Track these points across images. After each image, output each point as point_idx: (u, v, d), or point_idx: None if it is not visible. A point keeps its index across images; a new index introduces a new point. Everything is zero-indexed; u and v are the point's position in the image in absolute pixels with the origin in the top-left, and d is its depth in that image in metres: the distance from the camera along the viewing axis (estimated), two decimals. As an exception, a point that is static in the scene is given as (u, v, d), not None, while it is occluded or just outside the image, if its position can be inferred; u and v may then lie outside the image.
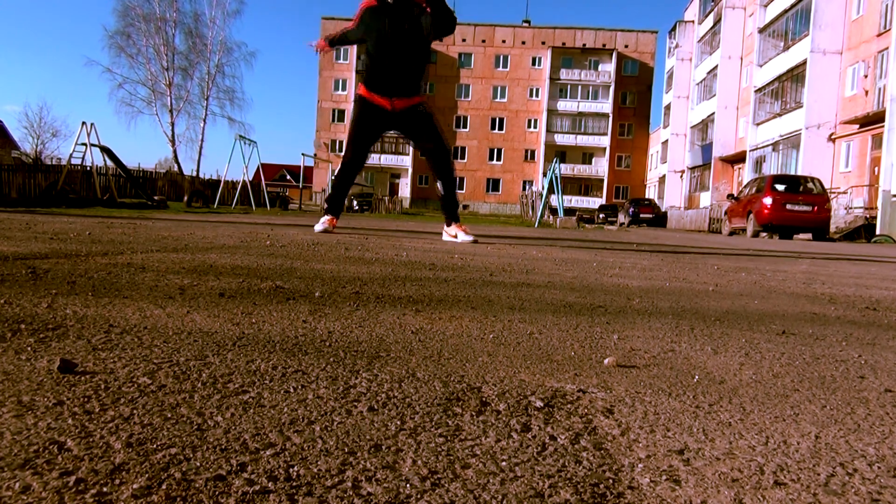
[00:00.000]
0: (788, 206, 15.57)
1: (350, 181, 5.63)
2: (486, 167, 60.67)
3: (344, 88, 61.23)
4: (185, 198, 21.04)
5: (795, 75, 28.37)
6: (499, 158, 60.78)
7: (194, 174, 34.43)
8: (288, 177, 77.43)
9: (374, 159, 59.76)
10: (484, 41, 60.70)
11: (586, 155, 60.14)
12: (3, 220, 5.11)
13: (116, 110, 54.44)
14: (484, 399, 0.91)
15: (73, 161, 16.91)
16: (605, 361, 1.17)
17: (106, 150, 16.80)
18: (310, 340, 1.22)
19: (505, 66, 60.79)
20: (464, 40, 60.66)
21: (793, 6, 28.61)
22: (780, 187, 16.35)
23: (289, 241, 3.99)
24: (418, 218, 17.66)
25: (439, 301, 1.80)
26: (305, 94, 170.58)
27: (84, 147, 15.94)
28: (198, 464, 0.63)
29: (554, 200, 20.19)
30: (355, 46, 59.27)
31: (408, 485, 0.62)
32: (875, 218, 20.20)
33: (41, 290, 1.60)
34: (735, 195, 19.14)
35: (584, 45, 59.99)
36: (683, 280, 2.85)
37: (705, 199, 38.62)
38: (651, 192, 57.93)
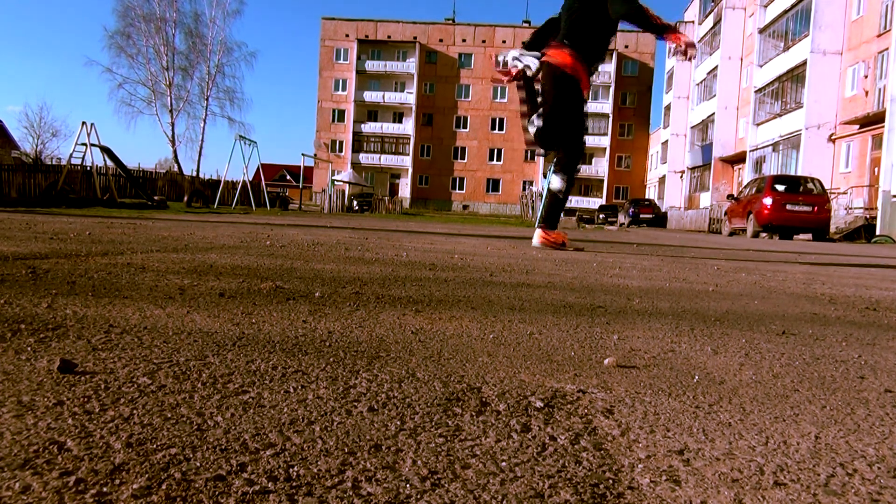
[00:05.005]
0: (788, 207, 15.57)
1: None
2: (486, 167, 60.69)
3: (344, 88, 61.24)
4: (185, 198, 21.05)
5: (795, 76, 28.37)
6: (499, 158, 60.80)
7: (194, 174, 34.45)
8: (288, 177, 77.48)
9: (374, 159, 59.86)
10: (484, 41, 60.69)
11: (586, 155, 60.13)
12: (3, 220, 5.11)
13: (116, 110, 54.62)
14: (484, 399, 0.91)
15: (73, 161, 16.94)
16: (605, 362, 1.17)
17: (106, 150, 16.81)
18: (310, 340, 1.22)
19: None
20: (464, 41, 60.66)
21: (793, 7, 28.61)
22: (781, 188, 16.35)
23: (289, 242, 3.99)
24: (418, 218, 17.65)
25: (439, 301, 1.80)
26: (305, 94, 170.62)
27: (84, 147, 15.96)
28: (198, 464, 0.63)
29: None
30: (355, 45, 59.24)
31: (408, 485, 0.62)
32: (875, 218, 20.19)
33: (41, 290, 1.60)
34: (735, 195, 19.13)
35: (585, 45, 59.91)
36: (683, 280, 2.85)
37: (705, 199, 38.62)
38: (651, 193, 57.94)
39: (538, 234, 4.87)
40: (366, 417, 0.80)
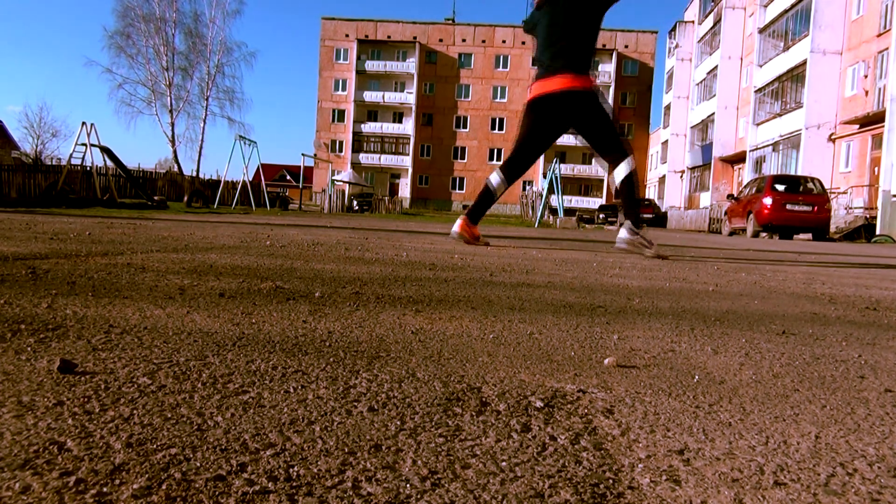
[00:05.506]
0: (788, 207, 15.58)
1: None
2: (486, 167, 60.67)
3: (344, 89, 61.25)
4: (185, 198, 21.05)
5: (795, 75, 28.37)
6: (499, 158, 60.73)
7: (194, 174, 34.48)
8: (288, 177, 77.55)
9: (374, 159, 59.85)
10: (484, 41, 60.73)
11: (586, 155, 60.07)
12: (3, 220, 5.11)
13: (116, 110, 54.75)
14: (484, 399, 0.91)
15: (73, 161, 16.93)
16: (605, 362, 1.17)
17: (106, 151, 16.81)
18: (310, 340, 1.22)
19: (505, 66, 60.81)
20: (464, 41, 60.69)
21: (793, 6, 28.62)
22: (781, 187, 16.36)
23: (289, 242, 3.99)
24: (418, 218, 17.66)
25: (439, 301, 1.80)
26: (305, 94, 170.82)
27: (84, 147, 15.95)
28: (198, 464, 0.63)
29: (554, 200, 20.22)
30: (355, 45, 59.26)
31: (408, 485, 0.62)
32: (875, 218, 20.20)
33: (41, 290, 1.60)
34: (735, 195, 19.14)
35: (584, 45, 59.91)
36: (683, 280, 2.85)
37: (705, 199, 38.63)
38: (651, 193, 57.96)
39: (459, 224, 5.06)
40: (366, 417, 0.80)
